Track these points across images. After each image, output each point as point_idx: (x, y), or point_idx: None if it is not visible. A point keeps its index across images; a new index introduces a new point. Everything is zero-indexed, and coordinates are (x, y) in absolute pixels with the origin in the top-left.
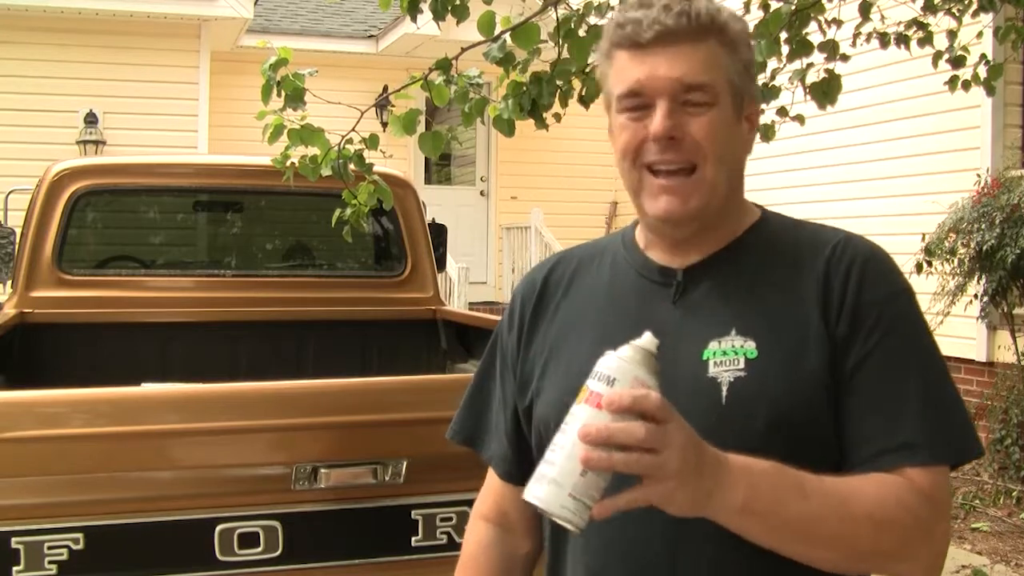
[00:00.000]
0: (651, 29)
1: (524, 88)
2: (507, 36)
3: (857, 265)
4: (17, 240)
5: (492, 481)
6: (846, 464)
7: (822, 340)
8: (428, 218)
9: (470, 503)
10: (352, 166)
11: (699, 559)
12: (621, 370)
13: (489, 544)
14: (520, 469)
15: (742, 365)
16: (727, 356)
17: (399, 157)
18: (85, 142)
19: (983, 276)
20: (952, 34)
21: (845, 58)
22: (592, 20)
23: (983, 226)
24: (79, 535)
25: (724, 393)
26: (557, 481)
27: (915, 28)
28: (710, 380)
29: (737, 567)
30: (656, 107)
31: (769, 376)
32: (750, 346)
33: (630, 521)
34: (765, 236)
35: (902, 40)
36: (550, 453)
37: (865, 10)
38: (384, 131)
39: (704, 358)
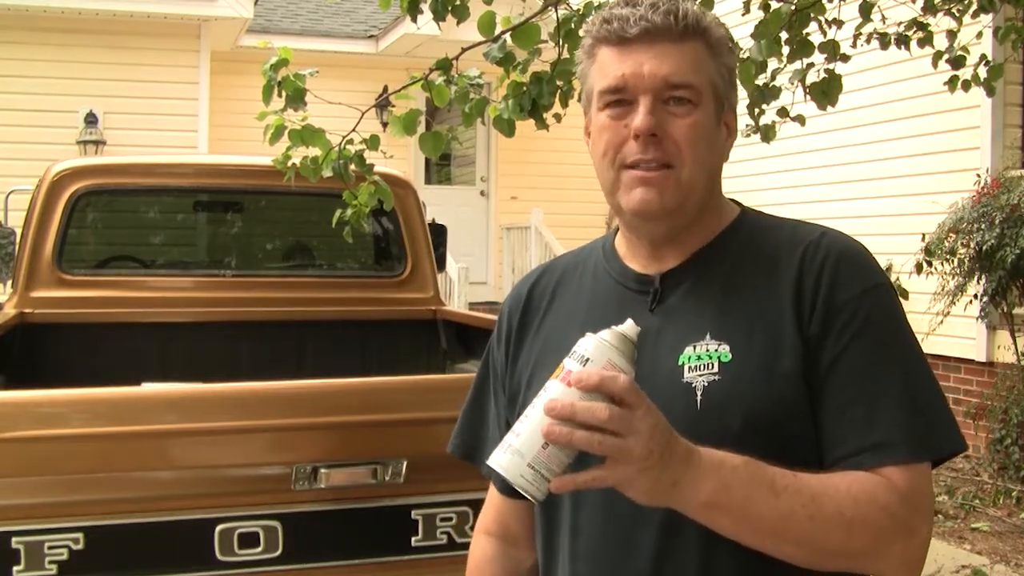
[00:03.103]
0: (638, 25)
1: (524, 88)
2: (507, 36)
3: (830, 263)
4: (17, 240)
5: (493, 495)
6: (825, 464)
7: (796, 341)
8: (428, 218)
9: (470, 503)
10: (353, 167)
11: (685, 572)
12: (597, 351)
13: (492, 558)
14: None
15: (716, 369)
16: (701, 361)
17: (399, 157)
18: (85, 142)
19: (983, 276)
20: (952, 34)
21: (845, 58)
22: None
23: (983, 226)
24: (79, 535)
25: (699, 398)
26: (520, 451)
27: (915, 28)
28: (685, 385)
29: None
30: (639, 104)
31: (743, 379)
32: (724, 350)
33: (619, 530)
34: (741, 237)
35: (902, 40)
36: (518, 424)
37: (865, 10)
38: (384, 131)
39: (680, 363)
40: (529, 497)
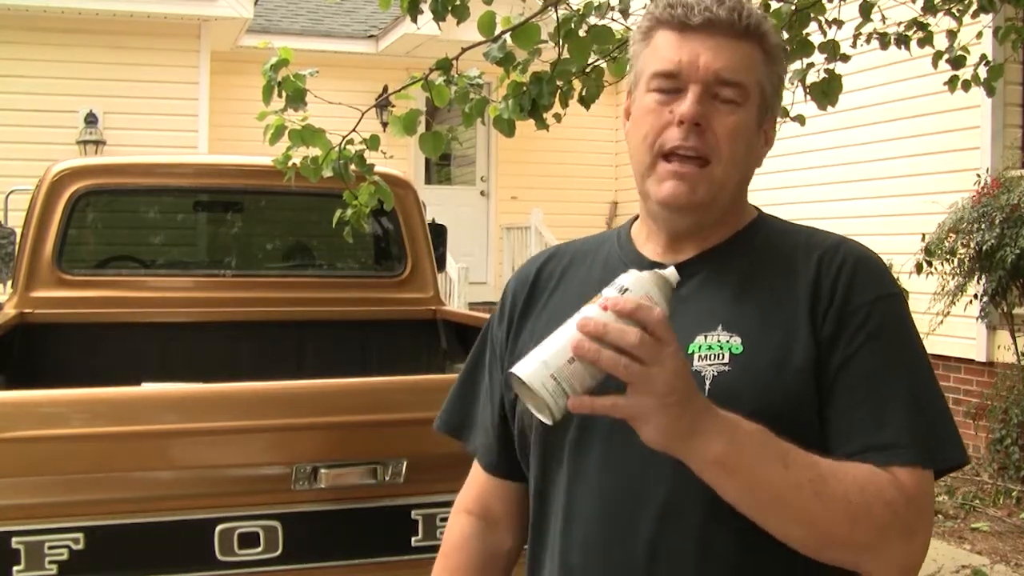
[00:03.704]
0: (701, 15)
1: (524, 88)
2: (507, 36)
3: (847, 267)
4: (17, 240)
5: (476, 473)
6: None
7: (809, 340)
8: (428, 218)
9: None
10: (353, 167)
11: (678, 564)
12: (637, 284)
13: (470, 537)
14: (504, 462)
15: (726, 360)
16: (712, 350)
17: (399, 157)
18: (85, 142)
19: (983, 276)
20: (952, 34)
21: (845, 58)
22: (592, 20)
23: (983, 226)
24: (79, 535)
25: (707, 387)
26: (545, 361)
27: (915, 28)
28: (694, 374)
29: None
30: (688, 92)
31: (752, 372)
32: (736, 342)
33: (615, 515)
34: (760, 237)
35: (902, 40)
36: (547, 340)
37: (865, 10)
38: (384, 131)
39: (690, 352)
40: (543, 416)
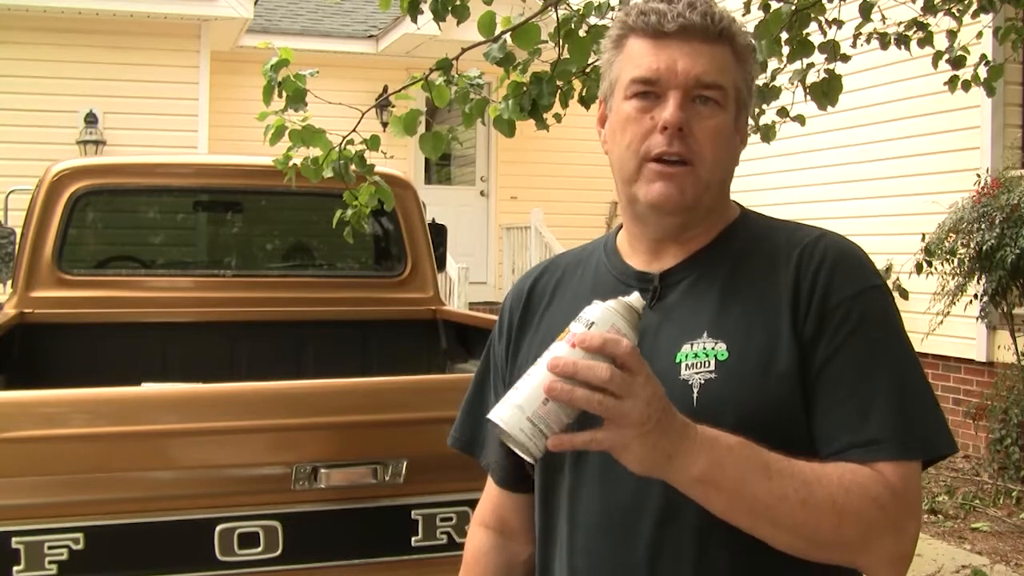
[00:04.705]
0: (675, 21)
1: (524, 88)
2: (507, 36)
3: (826, 264)
4: (17, 240)
5: (491, 488)
6: (817, 461)
7: (791, 342)
8: (428, 218)
9: (470, 503)
10: (353, 167)
11: (678, 565)
12: (603, 317)
13: (488, 550)
14: (515, 475)
15: (712, 367)
16: (698, 359)
17: (399, 157)
18: (85, 142)
19: (983, 276)
20: (952, 34)
21: (845, 58)
22: (592, 20)
23: (983, 226)
24: (79, 535)
25: (695, 395)
26: (520, 405)
27: (915, 28)
28: (682, 383)
29: None
30: (668, 98)
31: (739, 378)
32: (721, 348)
33: (616, 521)
34: (742, 237)
35: (902, 40)
36: (520, 381)
37: (865, 11)
38: (384, 131)
39: (677, 361)
40: (525, 457)
